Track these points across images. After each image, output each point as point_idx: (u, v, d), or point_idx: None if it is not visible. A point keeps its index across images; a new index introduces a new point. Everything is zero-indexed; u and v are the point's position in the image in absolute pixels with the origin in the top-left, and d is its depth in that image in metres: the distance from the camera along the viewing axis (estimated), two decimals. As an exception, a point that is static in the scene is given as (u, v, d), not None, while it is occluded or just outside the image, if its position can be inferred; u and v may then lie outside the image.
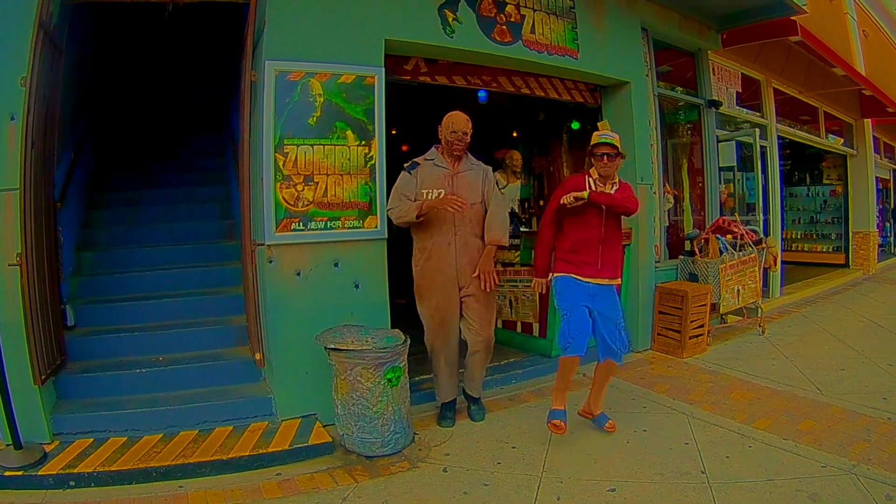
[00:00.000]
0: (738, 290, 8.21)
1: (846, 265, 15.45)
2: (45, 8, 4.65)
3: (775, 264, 9.72)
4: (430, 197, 5.13)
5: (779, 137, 11.41)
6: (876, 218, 15.78)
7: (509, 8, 6.38)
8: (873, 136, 15.80)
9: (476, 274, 5.16)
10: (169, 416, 5.00)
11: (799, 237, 16.88)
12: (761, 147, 10.34)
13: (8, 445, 4.35)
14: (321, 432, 4.99)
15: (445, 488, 4.25)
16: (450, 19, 5.94)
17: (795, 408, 5.58)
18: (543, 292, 5.24)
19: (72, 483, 4.21)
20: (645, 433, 5.08)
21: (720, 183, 10.05)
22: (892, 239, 19.07)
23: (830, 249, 16.19)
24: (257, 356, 5.30)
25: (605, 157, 4.86)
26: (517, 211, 9.25)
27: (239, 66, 5.58)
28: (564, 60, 6.87)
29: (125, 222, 7.26)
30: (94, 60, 7.92)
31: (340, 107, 5.35)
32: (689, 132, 9.49)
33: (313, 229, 5.27)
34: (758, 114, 10.90)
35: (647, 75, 8.01)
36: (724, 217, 8.68)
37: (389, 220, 5.44)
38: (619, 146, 4.90)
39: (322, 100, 5.28)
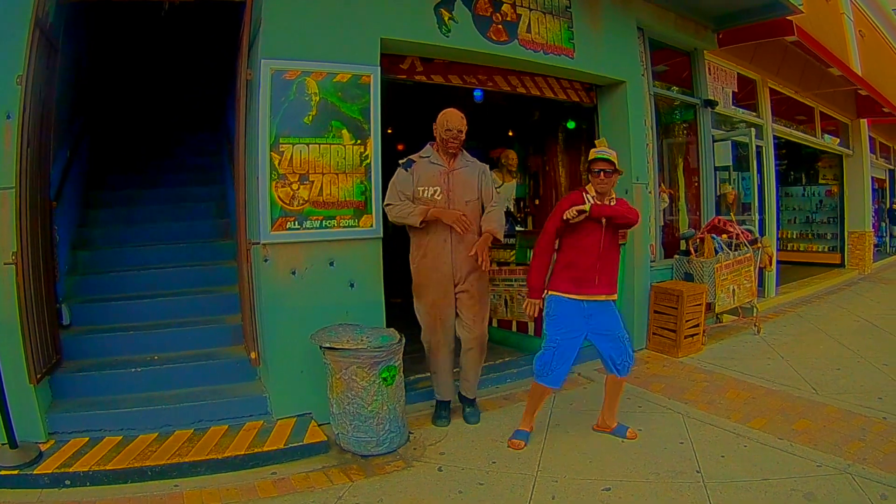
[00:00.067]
0: (734, 290, 8.23)
1: (842, 265, 15.48)
2: (41, 6, 4.65)
3: (770, 264, 9.75)
4: (426, 195, 5.13)
5: (775, 137, 11.44)
6: (872, 218, 15.82)
7: (505, 7, 6.39)
8: (869, 137, 15.83)
9: (472, 253, 5.12)
10: (164, 415, 4.99)
11: (794, 237, 16.91)
12: (757, 147, 10.33)
13: (3, 444, 4.35)
14: (316, 431, 4.99)
15: (440, 487, 4.26)
16: (446, 18, 5.94)
17: (791, 407, 5.59)
18: (535, 315, 5.05)
19: (67, 482, 4.20)
20: (640, 432, 5.07)
21: (730, 184, 10.12)
22: (887, 239, 19.10)
23: (826, 249, 16.22)
24: (252, 355, 5.29)
25: (602, 173, 4.81)
26: (513, 210, 9.26)
27: (235, 65, 5.58)
28: (560, 60, 6.88)
29: (121, 221, 7.25)
30: (91, 58, 7.91)
31: (336, 106, 5.35)
32: (684, 132, 9.49)
33: (309, 228, 5.27)
34: (754, 113, 10.92)
35: (643, 75, 8.02)
36: (720, 216, 8.68)
37: (385, 220, 5.44)
38: (616, 163, 4.85)
39: (318, 99, 5.27)
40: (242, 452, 4.58)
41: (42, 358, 4.75)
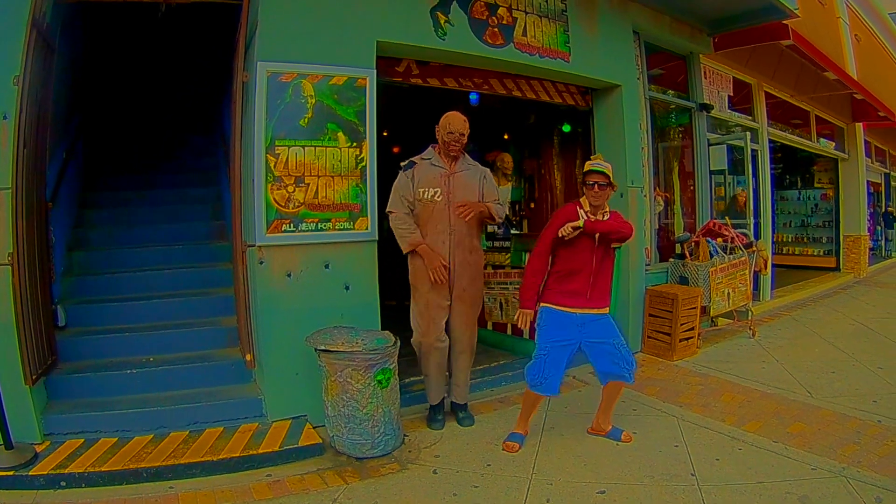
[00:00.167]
0: (729, 294, 8.24)
1: (837, 269, 15.53)
2: (38, 7, 4.65)
3: (766, 267, 9.77)
4: (426, 196, 5.14)
5: (770, 141, 11.45)
6: (867, 222, 15.85)
7: (501, 11, 6.40)
8: (865, 140, 15.88)
9: (461, 203, 5.13)
10: (159, 416, 4.99)
11: (790, 240, 16.97)
12: (752, 150, 10.38)
13: (-2, 446, 4.35)
14: (311, 434, 4.99)
15: (435, 490, 4.26)
16: (442, 21, 5.95)
17: (785, 410, 5.61)
18: (526, 327, 5.07)
19: (63, 483, 4.20)
20: (635, 435, 5.08)
21: (741, 187, 10.15)
22: (883, 242, 19.14)
23: (821, 253, 16.28)
24: (248, 357, 5.29)
25: (596, 185, 4.78)
26: (508, 214, 9.25)
27: (231, 66, 5.58)
28: (556, 63, 6.89)
29: (116, 222, 7.24)
30: (87, 59, 7.91)
31: (332, 108, 5.36)
32: (680, 135, 9.52)
33: (304, 231, 5.27)
34: (749, 117, 10.95)
35: (638, 78, 8.05)
36: (715, 220, 8.70)
37: (380, 222, 5.47)
38: (611, 176, 4.83)
39: (314, 101, 5.28)
40: (237, 454, 4.57)
41: (37, 359, 4.74)
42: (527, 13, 6.62)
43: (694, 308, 7.62)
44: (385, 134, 7.33)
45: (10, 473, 4.19)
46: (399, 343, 4.97)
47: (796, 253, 16.65)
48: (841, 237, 15.63)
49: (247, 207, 5.28)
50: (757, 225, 10.49)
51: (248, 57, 5.28)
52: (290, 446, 4.76)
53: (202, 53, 9.11)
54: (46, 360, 5.00)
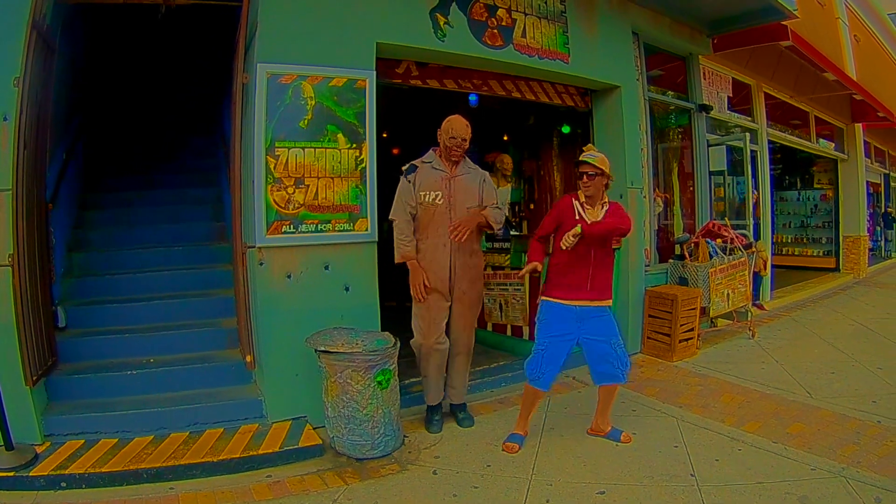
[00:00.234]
0: (728, 294, 8.24)
1: (836, 269, 15.53)
2: (38, 8, 4.65)
3: (765, 268, 9.78)
4: (427, 200, 5.15)
5: (769, 142, 11.47)
6: (867, 222, 15.85)
7: (500, 12, 6.40)
8: (864, 141, 15.90)
9: (453, 225, 5.12)
10: (160, 417, 5.00)
11: (789, 241, 16.96)
12: (752, 151, 10.39)
13: (-1, 446, 4.35)
14: (311, 434, 4.99)
15: (435, 491, 4.27)
16: (441, 23, 5.95)
17: (785, 411, 5.61)
18: (525, 271, 4.97)
19: (63, 484, 4.20)
20: (635, 436, 5.09)
21: (755, 190, 10.19)
22: (882, 243, 19.15)
23: (821, 253, 16.28)
24: (248, 358, 5.29)
25: (585, 175, 4.85)
26: (507, 215, 9.25)
27: (231, 67, 5.59)
28: (555, 64, 6.89)
29: (116, 224, 7.24)
30: (87, 60, 7.91)
31: (331, 110, 5.36)
32: (679, 136, 9.52)
33: (304, 232, 5.27)
34: (748, 118, 10.96)
35: (637, 79, 8.05)
36: (714, 221, 8.70)
37: (380, 224, 5.48)
38: (602, 167, 4.85)
39: (313, 102, 5.28)
40: (238, 455, 4.58)
41: (38, 360, 4.75)
42: (526, 14, 6.62)
43: (693, 309, 7.63)
44: (385, 135, 7.34)
45: (11, 474, 4.19)
46: (399, 344, 4.97)
47: (796, 254, 16.66)
48: (840, 238, 15.64)
49: (247, 209, 5.29)
50: (756, 226, 10.51)
51: (248, 58, 5.29)
52: (291, 447, 4.76)
53: (202, 55, 9.12)
54: (47, 361, 5.00)
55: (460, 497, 4.17)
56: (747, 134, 10.18)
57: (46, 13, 5.00)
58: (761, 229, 10.72)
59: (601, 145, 7.64)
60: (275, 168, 5.14)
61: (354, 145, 5.45)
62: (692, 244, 8.31)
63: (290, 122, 5.20)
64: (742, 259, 8.49)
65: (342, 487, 4.31)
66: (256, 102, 5.08)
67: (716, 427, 5.27)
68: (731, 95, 10.17)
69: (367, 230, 5.53)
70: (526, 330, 7.30)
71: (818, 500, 3.98)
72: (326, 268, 5.38)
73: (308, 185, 5.27)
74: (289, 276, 5.23)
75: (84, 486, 4.22)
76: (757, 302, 10.04)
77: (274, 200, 5.14)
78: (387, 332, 5.15)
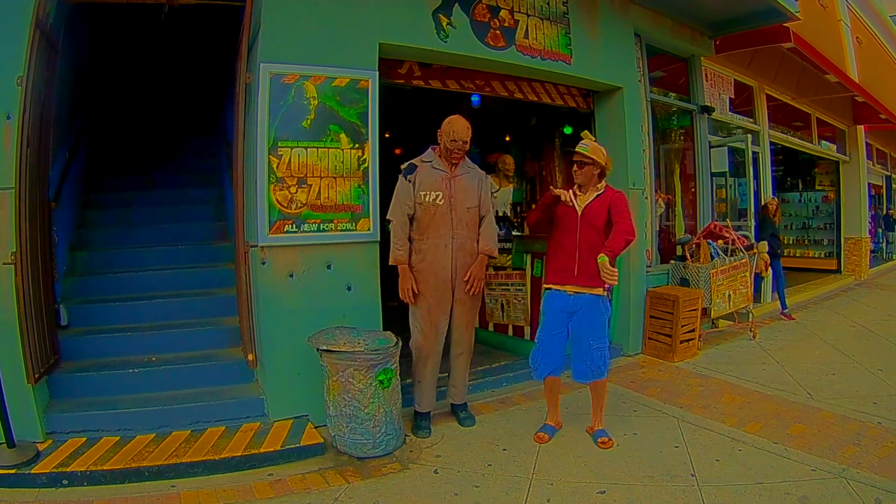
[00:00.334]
0: (730, 295, 8.25)
1: (838, 271, 15.54)
2: (41, 7, 4.67)
3: (766, 270, 9.78)
4: (427, 200, 5.13)
5: (771, 143, 11.48)
6: (868, 224, 15.85)
7: (503, 13, 6.41)
8: (866, 143, 15.89)
9: (467, 278, 5.19)
10: (161, 415, 5.00)
11: (791, 243, 16.95)
12: (753, 153, 10.39)
13: (1, 444, 4.35)
14: (313, 433, 5.00)
15: (436, 490, 4.27)
16: (444, 24, 5.96)
17: (786, 412, 5.62)
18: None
19: (65, 482, 4.21)
20: (635, 436, 5.10)
21: (773, 195, 10.21)
22: (884, 245, 19.14)
23: (822, 255, 16.28)
24: (250, 357, 5.30)
25: (575, 164, 4.95)
26: (510, 215, 9.26)
27: (234, 67, 5.60)
28: (557, 65, 6.90)
29: (119, 222, 7.25)
30: (90, 60, 7.92)
31: (334, 110, 5.37)
32: (681, 138, 9.52)
33: (306, 231, 5.28)
34: (750, 120, 10.97)
35: (639, 81, 8.06)
36: (716, 222, 8.71)
37: (382, 223, 5.48)
38: (593, 156, 4.91)
39: (316, 102, 5.29)
40: (239, 454, 4.58)
41: (40, 358, 4.76)
42: (528, 16, 6.63)
43: (695, 310, 7.63)
44: (387, 135, 7.35)
45: (13, 472, 4.20)
46: (401, 343, 4.98)
47: (797, 255, 16.64)
48: (842, 239, 15.64)
49: (249, 208, 5.29)
50: (758, 227, 10.49)
51: (251, 58, 5.29)
52: (292, 446, 4.77)
53: (205, 55, 9.12)
54: (49, 359, 5.01)
55: (461, 496, 4.17)
56: (749, 135, 10.17)
57: (50, 12, 5.01)
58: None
59: (603, 146, 7.65)
60: (277, 168, 5.14)
61: (357, 145, 5.46)
62: (693, 245, 8.32)
63: (292, 121, 5.21)
64: (743, 260, 8.49)
65: (343, 486, 4.31)
66: (259, 102, 5.09)
67: (716, 427, 5.27)
68: (732, 97, 10.19)
69: (369, 230, 5.54)
70: (527, 330, 7.29)
71: (818, 501, 3.98)
72: (329, 267, 5.39)
73: (310, 185, 5.27)
74: (291, 276, 5.24)
75: (86, 483, 4.23)
76: (785, 311, 10.10)
77: (276, 200, 5.15)
78: (389, 332, 5.15)
